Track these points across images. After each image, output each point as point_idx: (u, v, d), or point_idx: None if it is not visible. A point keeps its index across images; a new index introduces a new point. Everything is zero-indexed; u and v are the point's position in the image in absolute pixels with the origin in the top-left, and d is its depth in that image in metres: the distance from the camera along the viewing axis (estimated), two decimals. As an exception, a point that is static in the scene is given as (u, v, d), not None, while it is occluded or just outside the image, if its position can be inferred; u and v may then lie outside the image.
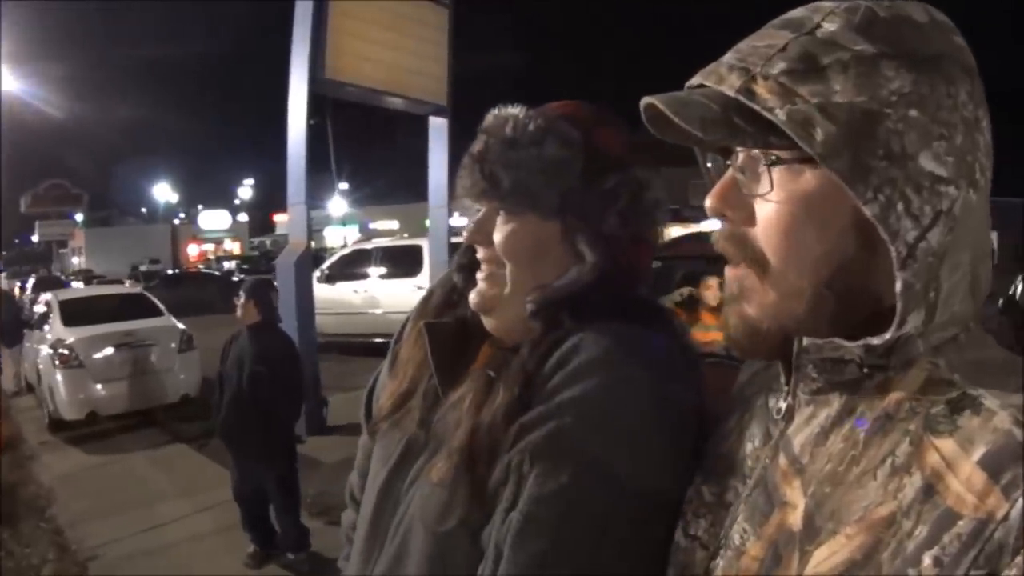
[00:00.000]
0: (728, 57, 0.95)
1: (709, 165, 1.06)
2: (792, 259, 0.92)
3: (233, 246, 75.11)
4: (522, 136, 1.29)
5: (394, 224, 48.12)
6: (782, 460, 0.95)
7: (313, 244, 10.28)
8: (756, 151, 0.92)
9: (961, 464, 0.77)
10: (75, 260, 62.63)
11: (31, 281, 31.45)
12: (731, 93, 0.90)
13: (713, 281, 6.79)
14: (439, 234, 10.35)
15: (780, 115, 0.86)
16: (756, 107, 0.87)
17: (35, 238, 63.17)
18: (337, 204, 57.49)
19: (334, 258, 17.57)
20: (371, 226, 51.45)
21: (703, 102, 0.92)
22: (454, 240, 10.33)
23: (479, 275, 1.34)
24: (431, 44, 9.15)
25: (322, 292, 13.53)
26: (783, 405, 0.99)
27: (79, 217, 65.21)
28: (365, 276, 16.01)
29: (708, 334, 6.25)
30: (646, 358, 1.17)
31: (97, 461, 9.05)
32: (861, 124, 0.85)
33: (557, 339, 1.22)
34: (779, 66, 0.89)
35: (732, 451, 1.06)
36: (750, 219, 0.94)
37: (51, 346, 10.72)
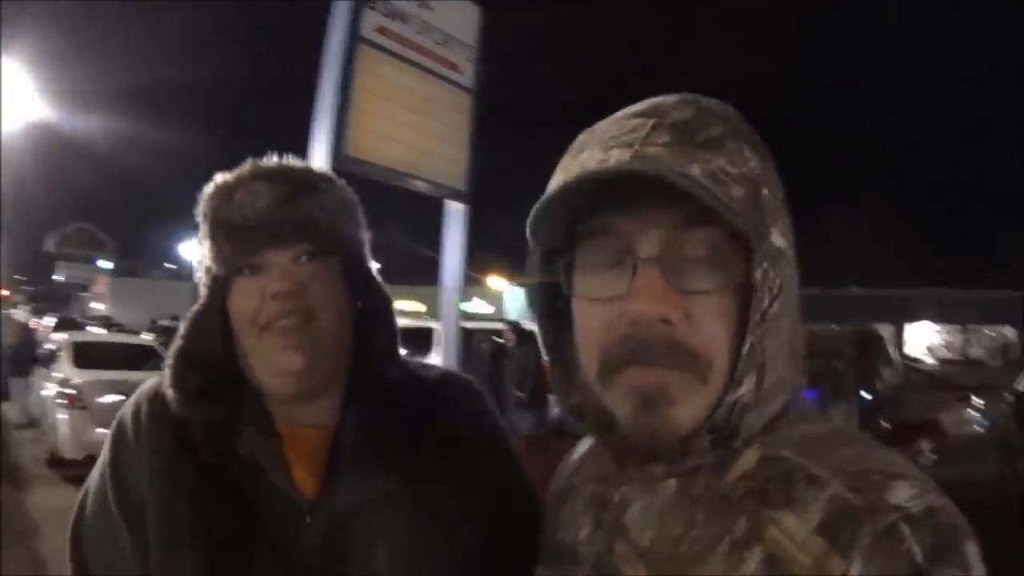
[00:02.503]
0: (588, 146, 0.94)
1: (559, 265, 1.00)
2: (728, 357, 0.89)
3: (255, 313, 74.55)
4: (321, 182, 1.33)
5: (421, 307, 47.64)
6: (621, 546, 0.96)
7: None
8: (683, 242, 0.89)
9: (800, 534, 0.81)
10: (96, 305, 62.88)
11: (52, 320, 31.75)
12: (627, 161, 0.87)
13: None
14: (451, 317, 10.36)
15: (694, 170, 0.86)
16: (661, 166, 0.85)
17: (58, 277, 63.55)
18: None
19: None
20: (395, 306, 50.95)
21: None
22: (465, 325, 10.27)
23: (291, 343, 1.23)
24: (452, 128, 9.22)
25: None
26: (616, 493, 1.00)
27: (105, 264, 65.66)
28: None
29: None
30: None
31: (90, 501, 9.08)
32: (753, 192, 0.89)
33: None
34: (662, 137, 0.89)
35: (566, 539, 1.07)
36: (687, 320, 0.88)
37: (59, 384, 10.95)
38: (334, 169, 5.27)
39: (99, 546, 1.31)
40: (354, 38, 7.66)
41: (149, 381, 1.38)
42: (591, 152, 0.92)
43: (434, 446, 1.32)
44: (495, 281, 44.89)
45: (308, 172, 1.34)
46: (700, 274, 0.89)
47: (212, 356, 1.30)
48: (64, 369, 11.42)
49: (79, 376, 11.02)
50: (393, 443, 1.30)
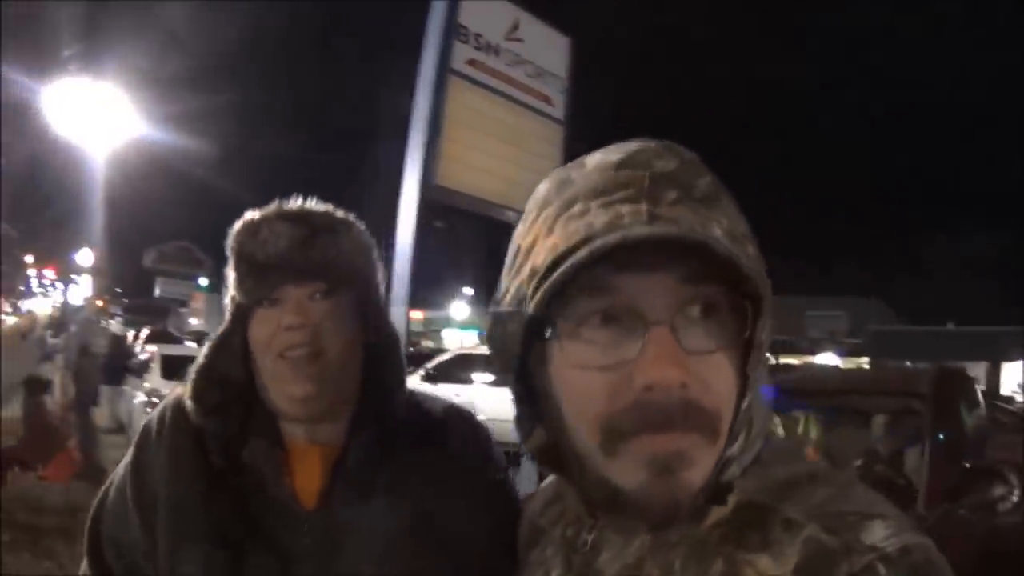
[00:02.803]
0: (580, 203, 0.89)
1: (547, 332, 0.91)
2: (730, 416, 0.89)
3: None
4: (339, 225, 1.45)
5: None
6: None
7: (431, 344, 10.15)
8: (686, 296, 0.86)
9: None
10: (192, 321, 64.29)
11: (145, 332, 32.56)
12: (644, 221, 0.84)
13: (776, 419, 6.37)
14: None
15: (716, 231, 0.84)
16: (677, 230, 0.82)
17: (156, 292, 65.16)
18: (459, 308, 58.11)
19: (441, 359, 17.79)
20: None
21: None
22: None
23: (302, 373, 1.34)
24: (544, 159, 9.08)
25: (423, 390, 13.71)
26: (588, 537, 0.99)
27: (203, 281, 67.05)
28: (469, 381, 16.20)
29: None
30: None
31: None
32: (757, 250, 0.90)
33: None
34: (671, 194, 0.87)
35: None
36: (699, 382, 0.85)
37: (146, 394, 11.29)
38: (423, 198, 5.44)
39: (113, 531, 1.44)
40: (444, 70, 7.76)
41: (176, 390, 1.49)
42: (586, 207, 0.88)
43: (432, 473, 1.42)
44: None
45: (327, 215, 1.45)
46: (707, 334, 0.87)
47: (230, 374, 1.42)
48: (153, 380, 11.84)
49: (166, 387, 11.30)
50: (392, 467, 1.41)
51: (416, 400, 1.55)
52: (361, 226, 1.50)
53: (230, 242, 1.42)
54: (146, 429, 1.47)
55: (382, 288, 1.53)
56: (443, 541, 1.36)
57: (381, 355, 1.48)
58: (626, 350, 0.86)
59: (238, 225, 1.43)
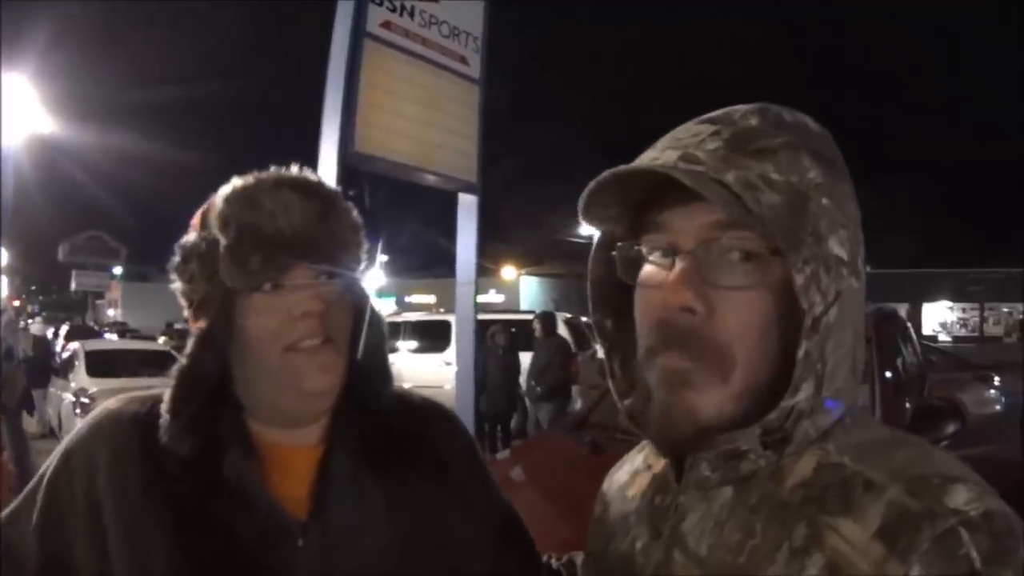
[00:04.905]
0: (656, 146, 0.99)
1: (614, 254, 1.04)
2: (756, 358, 0.92)
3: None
4: (340, 200, 1.28)
5: (431, 299, 47.66)
6: (678, 555, 0.97)
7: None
8: (719, 240, 0.92)
9: (859, 539, 0.81)
10: (111, 312, 63.18)
11: (64, 328, 31.83)
12: (671, 161, 0.92)
13: None
14: (466, 311, 9.92)
15: (729, 177, 0.89)
16: (699, 168, 0.90)
17: (73, 287, 63.77)
18: (374, 276, 57.79)
19: (362, 328, 17.61)
20: (407, 299, 50.97)
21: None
22: (481, 316, 10.16)
23: (319, 364, 1.19)
24: (461, 121, 9.11)
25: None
26: (673, 502, 1.01)
27: (117, 270, 65.75)
28: (394, 350, 16.12)
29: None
30: None
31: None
32: (796, 200, 0.90)
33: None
34: (714, 144, 0.94)
35: (621, 550, 1.08)
36: (712, 313, 0.91)
37: (74, 394, 10.95)
38: (342, 165, 5.31)
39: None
40: (359, 33, 7.62)
41: (98, 415, 1.28)
42: (653, 150, 0.98)
43: (423, 469, 1.32)
44: (508, 271, 44.95)
45: (331, 188, 1.28)
46: (733, 271, 0.92)
47: (212, 377, 1.21)
48: (79, 378, 11.47)
49: (94, 385, 11.03)
50: (385, 464, 1.28)
51: (400, 393, 1.40)
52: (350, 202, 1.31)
53: (219, 214, 1.18)
54: (67, 468, 1.22)
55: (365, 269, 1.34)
56: (439, 540, 1.27)
57: (368, 342, 1.29)
58: (663, 275, 0.96)
59: (227, 193, 1.20)
